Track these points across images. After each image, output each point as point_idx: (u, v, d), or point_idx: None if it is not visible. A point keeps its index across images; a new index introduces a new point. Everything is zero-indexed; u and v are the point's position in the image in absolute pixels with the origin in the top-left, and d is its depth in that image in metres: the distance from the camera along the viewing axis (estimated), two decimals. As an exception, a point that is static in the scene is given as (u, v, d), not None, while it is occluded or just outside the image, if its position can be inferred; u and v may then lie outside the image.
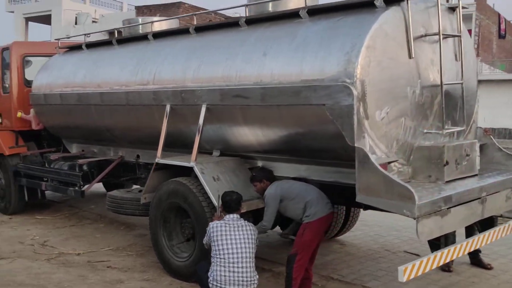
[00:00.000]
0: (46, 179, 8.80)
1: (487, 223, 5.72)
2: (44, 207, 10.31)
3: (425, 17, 5.23)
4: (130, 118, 7.24)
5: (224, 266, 4.92)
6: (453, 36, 5.49)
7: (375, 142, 4.86)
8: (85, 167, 8.24)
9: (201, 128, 5.99)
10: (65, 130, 8.96)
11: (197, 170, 5.79)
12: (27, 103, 9.22)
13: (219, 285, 4.91)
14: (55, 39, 9.15)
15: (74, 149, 9.23)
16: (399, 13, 4.98)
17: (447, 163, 5.10)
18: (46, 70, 8.91)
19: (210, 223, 5.21)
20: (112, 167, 8.09)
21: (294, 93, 5.11)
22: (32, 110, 9.21)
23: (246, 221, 5.21)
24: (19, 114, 9.26)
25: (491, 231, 5.21)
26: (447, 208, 4.65)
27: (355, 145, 4.66)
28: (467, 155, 5.36)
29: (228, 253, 4.93)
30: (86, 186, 8.14)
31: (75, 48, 8.77)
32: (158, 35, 7.27)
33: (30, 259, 7.02)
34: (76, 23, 37.94)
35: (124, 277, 6.33)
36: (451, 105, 5.55)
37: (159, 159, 6.36)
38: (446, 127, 5.49)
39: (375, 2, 4.97)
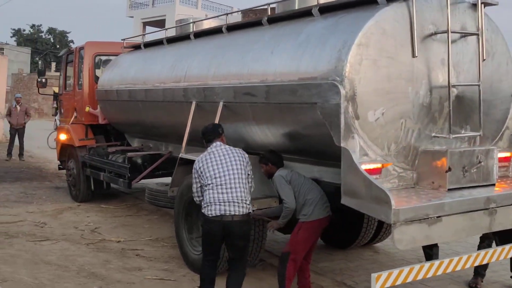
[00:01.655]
0: (105, 170, 9.35)
1: (508, 237, 5.26)
2: (112, 197, 10.95)
3: (436, 15, 4.93)
4: (168, 114, 7.51)
5: (213, 189, 4.71)
6: (470, 34, 5.11)
7: (368, 144, 4.67)
8: (136, 160, 8.65)
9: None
10: (123, 125, 9.49)
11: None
12: (95, 98, 9.87)
13: (209, 205, 4.69)
14: (122, 39, 9.71)
15: (135, 143, 9.73)
16: (402, 10, 4.75)
17: (449, 169, 4.77)
18: (109, 68, 9.50)
19: (195, 161, 4.99)
20: (160, 162, 8.41)
21: (292, 92, 5.06)
22: (99, 106, 9.85)
23: (233, 147, 5.04)
24: (87, 108, 9.95)
25: (497, 249, 4.80)
26: (437, 217, 4.36)
27: (341, 145, 4.52)
28: (480, 162, 4.96)
29: (215, 177, 4.72)
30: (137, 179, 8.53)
31: (136, 47, 9.25)
32: (199, 35, 7.47)
33: (72, 243, 7.53)
34: (187, 27, 39.57)
35: (145, 265, 6.60)
36: (467, 109, 5.17)
37: (182, 154, 6.56)
38: (462, 131, 5.16)
39: (377, -1, 4.78)
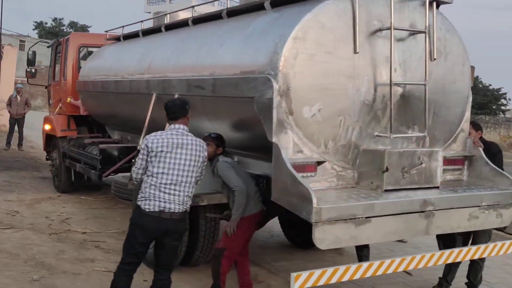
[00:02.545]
0: (80, 161, 9.36)
1: (448, 242, 5.12)
2: (94, 189, 10.96)
3: (383, 11, 4.79)
4: (136, 107, 7.47)
5: (156, 185, 4.27)
6: (417, 32, 4.96)
7: (303, 140, 4.57)
8: (110, 152, 8.61)
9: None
10: (101, 117, 9.50)
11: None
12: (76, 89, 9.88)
13: (148, 200, 4.29)
14: (105, 31, 9.71)
15: (115, 135, 9.72)
16: (344, 4, 4.64)
17: (387, 169, 4.64)
18: (90, 60, 9.53)
19: (147, 136, 4.45)
20: (132, 156, 8.37)
21: (234, 85, 4.98)
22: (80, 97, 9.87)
23: (194, 136, 4.52)
24: (68, 99, 9.97)
25: (435, 253, 4.65)
26: (366, 218, 4.24)
27: (273, 140, 4.43)
28: (421, 163, 4.82)
29: (163, 173, 4.27)
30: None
31: (117, 39, 9.24)
32: (171, 27, 7.42)
33: (36, 232, 7.52)
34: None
35: (101, 257, 6.56)
36: (415, 109, 5.03)
37: (140, 146, 6.50)
38: (409, 131, 5.03)
39: (320, -8, 4.67)
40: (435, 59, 5.08)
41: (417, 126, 5.07)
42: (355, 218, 4.21)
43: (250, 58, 4.84)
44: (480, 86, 49.20)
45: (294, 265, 6.67)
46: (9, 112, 16.71)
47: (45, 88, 12.07)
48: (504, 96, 49.97)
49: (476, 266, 5.61)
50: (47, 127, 10.74)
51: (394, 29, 4.71)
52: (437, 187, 4.95)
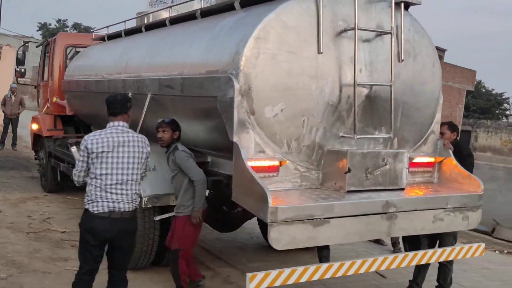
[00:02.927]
0: (64, 161, 9.36)
1: (414, 244, 5.09)
2: (82, 189, 10.88)
3: (349, 11, 4.76)
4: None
5: (101, 187, 4.11)
6: (383, 32, 4.94)
7: (265, 140, 4.55)
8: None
9: (142, 118, 6.02)
10: (85, 116, 9.50)
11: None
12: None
13: (95, 202, 4.12)
14: (91, 31, 9.71)
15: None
16: (308, 4, 4.62)
17: (349, 170, 4.61)
18: (75, 60, 9.56)
19: (86, 136, 4.25)
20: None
21: (200, 85, 4.97)
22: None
23: (135, 132, 4.40)
24: (54, 99, 10.00)
25: (398, 255, 4.62)
26: (324, 218, 4.22)
27: (233, 140, 4.41)
28: (386, 165, 4.79)
29: (107, 173, 4.11)
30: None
31: (102, 39, 9.25)
32: (150, 27, 7.42)
33: (15, 231, 7.53)
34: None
35: (74, 256, 6.45)
36: (382, 110, 5.00)
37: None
38: (375, 132, 5.01)
39: (284, -9, 4.65)
40: (403, 60, 5.06)
41: (385, 127, 5.05)
42: (313, 219, 4.18)
43: (215, 58, 4.83)
44: (483, 90, 49.11)
45: (268, 267, 6.57)
46: (3, 112, 16.75)
47: (35, 88, 12.09)
48: (507, 100, 49.85)
49: (444, 269, 5.57)
50: (35, 126, 10.76)
51: (359, 29, 4.69)
52: (403, 189, 4.92)
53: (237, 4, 5.30)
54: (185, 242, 5.04)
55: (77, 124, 10.44)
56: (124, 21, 8.42)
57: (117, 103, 4.35)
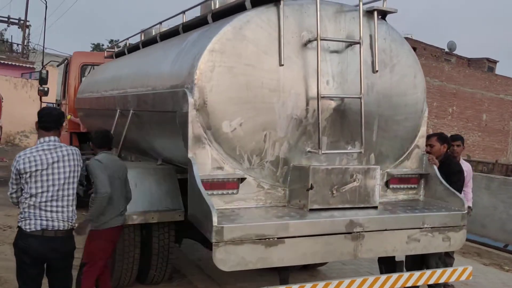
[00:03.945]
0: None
1: (389, 266, 4.77)
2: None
3: (314, 21, 4.55)
4: (109, 122, 7.48)
5: (35, 205, 3.92)
6: (352, 42, 4.69)
7: (223, 156, 4.39)
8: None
9: (124, 132, 5.98)
10: (95, 133, 9.58)
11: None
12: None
13: (28, 220, 3.92)
14: (105, 50, 9.85)
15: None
16: (268, 15, 4.45)
17: (311, 187, 4.38)
18: (87, 78, 9.68)
19: (17, 155, 4.04)
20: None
21: (164, 99, 4.88)
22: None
23: (68, 146, 4.20)
24: (68, 116, 10.15)
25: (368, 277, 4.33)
26: (278, 238, 4.00)
27: (188, 156, 4.28)
28: (355, 181, 4.53)
29: (42, 191, 3.93)
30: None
31: (111, 57, 9.36)
32: (146, 44, 7.40)
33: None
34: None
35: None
36: (354, 123, 4.73)
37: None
38: (348, 147, 4.75)
39: (245, 3, 4.51)
40: (377, 71, 4.79)
41: (358, 142, 4.78)
42: (265, 239, 3.98)
43: (177, 72, 4.72)
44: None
45: (256, 287, 6.42)
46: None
47: (58, 106, 12.37)
48: None
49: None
50: None
51: (322, 39, 4.48)
52: (376, 207, 4.64)
53: (209, 18, 5.19)
54: (91, 257, 4.80)
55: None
56: (127, 38, 8.49)
57: (51, 117, 4.14)
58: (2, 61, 27.97)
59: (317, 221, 4.19)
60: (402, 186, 5.12)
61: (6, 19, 35.69)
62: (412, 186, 5.17)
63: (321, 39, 4.45)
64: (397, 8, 4.92)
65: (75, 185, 4.15)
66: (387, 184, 5.06)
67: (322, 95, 4.48)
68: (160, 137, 5.46)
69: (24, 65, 30.09)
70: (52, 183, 3.97)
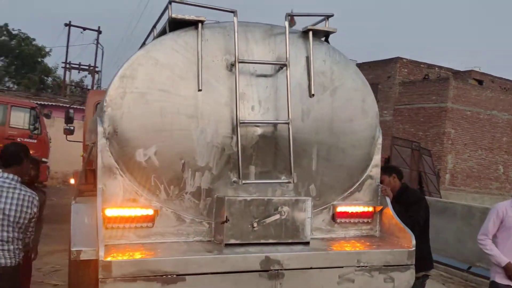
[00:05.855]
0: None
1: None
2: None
3: (232, 44, 4.26)
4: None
5: None
6: (278, 64, 4.36)
7: (137, 187, 4.15)
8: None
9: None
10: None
11: (72, 209, 5.65)
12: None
13: None
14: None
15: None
16: (185, 39, 4.23)
17: (227, 220, 4.03)
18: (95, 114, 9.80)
19: None
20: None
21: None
22: (91, 151, 10.14)
23: (27, 189, 3.94)
24: (81, 153, 10.29)
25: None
26: (178, 275, 3.69)
27: (98, 186, 4.08)
28: (279, 214, 4.13)
29: None
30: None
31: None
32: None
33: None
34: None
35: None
36: (286, 152, 4.36)
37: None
38: (282, 177, 4.37)
39: (166, 28, 4.34)
40: (313, 95, 4.43)
41: (286, 171, 4.37)
42: (163, 276, 3.67)
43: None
44: None
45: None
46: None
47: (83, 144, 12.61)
48: None
49: None
50: (72, 181, 11.15)
51: (240, 62, 4.19)
52: (307, 243, 4.21)
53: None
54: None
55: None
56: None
57: (8, 153, 3.98)
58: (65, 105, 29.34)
59: (225, 257, 3.83)
60: (352, 220, 4.65)
61: (86, 66, 36.73)
62: (365, 220, 4.69)
63: (239, 62, 4.17)
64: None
65: (22, 230, 3.87)
66: (333, 218, 4.62)
67: (241, 121, 4.16)
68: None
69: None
70: None
